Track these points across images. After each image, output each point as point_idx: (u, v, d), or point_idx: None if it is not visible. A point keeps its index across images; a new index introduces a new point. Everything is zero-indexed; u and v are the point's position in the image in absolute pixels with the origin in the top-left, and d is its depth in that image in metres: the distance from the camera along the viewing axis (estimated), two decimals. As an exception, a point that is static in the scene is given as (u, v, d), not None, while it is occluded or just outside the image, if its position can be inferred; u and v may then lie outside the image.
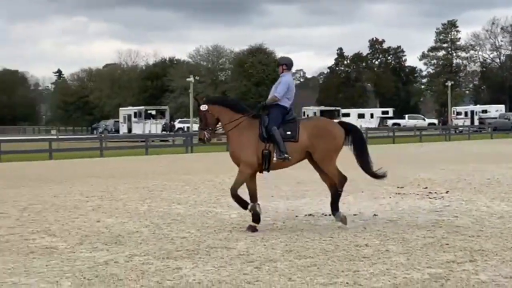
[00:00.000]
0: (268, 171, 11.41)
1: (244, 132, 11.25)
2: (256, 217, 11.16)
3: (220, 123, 11.49)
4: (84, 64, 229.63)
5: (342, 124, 11.83)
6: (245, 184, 11.26)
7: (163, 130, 64.78)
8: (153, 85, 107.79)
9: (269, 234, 10.69)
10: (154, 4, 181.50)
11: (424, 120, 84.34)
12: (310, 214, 12.79)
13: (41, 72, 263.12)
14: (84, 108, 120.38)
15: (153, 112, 73.05)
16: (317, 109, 73.11)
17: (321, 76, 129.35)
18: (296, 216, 12.65)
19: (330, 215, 12.69)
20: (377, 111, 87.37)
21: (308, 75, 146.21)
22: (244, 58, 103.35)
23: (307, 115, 71.19)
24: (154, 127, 67.40)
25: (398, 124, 76.95)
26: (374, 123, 79.88)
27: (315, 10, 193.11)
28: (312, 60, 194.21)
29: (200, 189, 17.83)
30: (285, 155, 11.06)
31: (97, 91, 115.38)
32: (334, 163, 11.33)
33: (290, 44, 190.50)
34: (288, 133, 11.17)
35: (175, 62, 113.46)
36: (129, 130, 71.30)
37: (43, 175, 23.73)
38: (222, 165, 27.07)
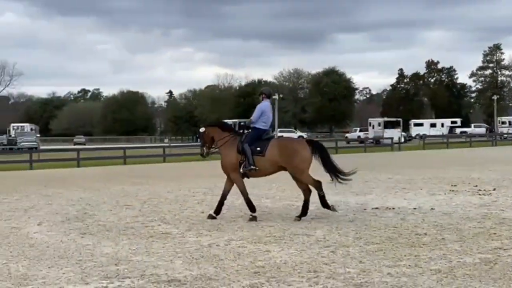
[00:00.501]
0: (248, 178, 11.78)
1: (229, 147, 11.81)
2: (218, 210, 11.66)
3: (214, 141, 12.14)
4: (190, 86, 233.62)
5: (307, 141, 11.87)
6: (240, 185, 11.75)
7: None
8: (245, 102, 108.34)
9: (342, 224, 10.60)
10: (246, 36, 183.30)
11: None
12: (377, 208, 12.60)
13: (156, 93, 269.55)
14: (190, 121, 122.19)
15: (245, 124, 73.58)
16: (381, 120, 71.67)
17: (384, 93, 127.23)
18: (365, 209, 12.49)
19: (393, 208, 12.50)
20: (447, 121, 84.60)
21: (373, 92, 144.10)
22: (319, 78, 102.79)
23: (373, 125, 70.04)
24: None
25: (466, 132, 74.41)
26: (444, 131, 77.54)
27: (378, 38, 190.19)
28: (376, 79, 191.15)
29: (284, 186, 17.83)
30: (251, 167, 11.42)
31: (200, 107, 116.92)
32: (307, 172, 11.28)
33: (357, 66, 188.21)
34: (258, 149, 11.45)
35: (262, 82, 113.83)
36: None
37: (159, 175, 24.23)
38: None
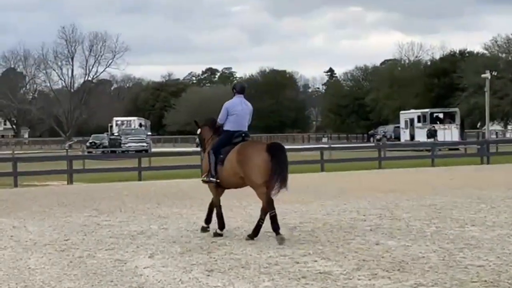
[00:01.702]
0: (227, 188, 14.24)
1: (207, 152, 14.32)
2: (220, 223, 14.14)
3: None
4: (359, 61, 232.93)
5: (267, 145, 13.39)
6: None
7: (428, 137, 63.57)
8: (440, 83, 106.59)
9: None
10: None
11: None
12: None
13: (311, 72, 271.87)
14: (359, 112, 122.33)
15: (440, 115, 72.27)
16: None
17: None
18: None
19: None
20: None
21: None
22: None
23: None
24: (442, 133, 66.46)
25: None
26: None
27: None
28: None
29: (499, 207, 17.35)
30: (210, 179, 13.85)
31: (374, 92, 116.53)
32: (262, 187, 13.19)
33: None
34: (221, 156, 13.71)
35: (466, 55, 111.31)
36: (412, 137, 71.20)
37: (314, 189, 24.42)
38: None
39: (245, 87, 14.82)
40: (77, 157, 41.21)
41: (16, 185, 30.59)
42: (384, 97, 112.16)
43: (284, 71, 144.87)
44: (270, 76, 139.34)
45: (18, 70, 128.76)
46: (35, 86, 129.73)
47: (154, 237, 14.07)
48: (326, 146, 48.24)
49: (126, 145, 65.93)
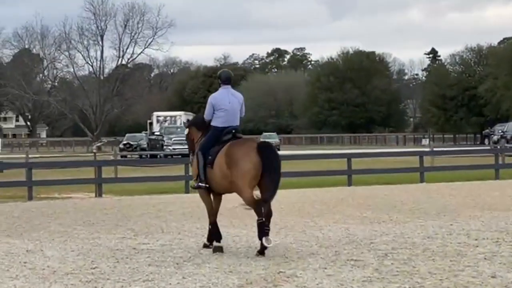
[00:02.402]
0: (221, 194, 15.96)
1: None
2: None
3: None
4: (470, 40, 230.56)
5: (258, 145, 14.89)
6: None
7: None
8: None
9: None
10: None
11: None
12: None
13: (408, 54, 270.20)
14: (470, 105, 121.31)
15: None
16: None
17: None
18: None
19: None
20: None
21: None
22: None
23: None
24: None
25: None
26: None
27: None
28: None
29: None
30: (199, 184, 15.44)
31: (489, 80, 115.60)
32: (247, 190, 14.75)
33: None
34: (210, 157, 15.20)
35: None
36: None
37: (411, 206, 24.24)
38: None
39: (231, 76, 16.10)
40: (107, 162, 41.40)
41: (30, 198, 30.79)
42: (503, 86, 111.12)
43: (373, 53, 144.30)
44: (354, 60, 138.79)
45: (34, 51, 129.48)
46: (55, 72, 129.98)
47: (205, 265, 14.12)
48: (427, 149, 47.87)
49: (170, 147, 66.03)
